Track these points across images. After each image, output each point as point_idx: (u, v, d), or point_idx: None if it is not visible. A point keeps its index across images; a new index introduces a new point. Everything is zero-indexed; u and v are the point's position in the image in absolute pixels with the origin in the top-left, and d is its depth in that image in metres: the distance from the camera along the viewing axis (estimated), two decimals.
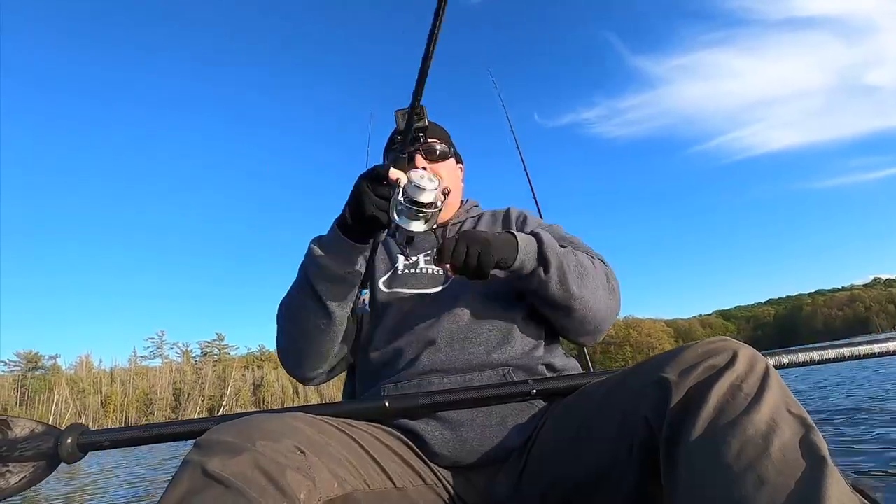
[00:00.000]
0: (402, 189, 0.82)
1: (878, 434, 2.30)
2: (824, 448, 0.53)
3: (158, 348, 67.62)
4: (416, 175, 0.81)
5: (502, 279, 1.07)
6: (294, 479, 0.59)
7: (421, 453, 0.88)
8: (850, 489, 0.52)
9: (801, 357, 0.97)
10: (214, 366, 63.98)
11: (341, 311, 0.97)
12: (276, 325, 1.05)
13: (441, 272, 1.12)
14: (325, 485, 0.65)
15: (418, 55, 0.69)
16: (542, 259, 0.96)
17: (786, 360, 0.97)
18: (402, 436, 0.89)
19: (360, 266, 0.96)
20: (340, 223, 0.92)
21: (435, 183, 0.81)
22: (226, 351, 74.21)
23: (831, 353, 0.98)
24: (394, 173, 0.84)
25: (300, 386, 66.25)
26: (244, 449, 0.60)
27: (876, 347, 0.98)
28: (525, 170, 1.78)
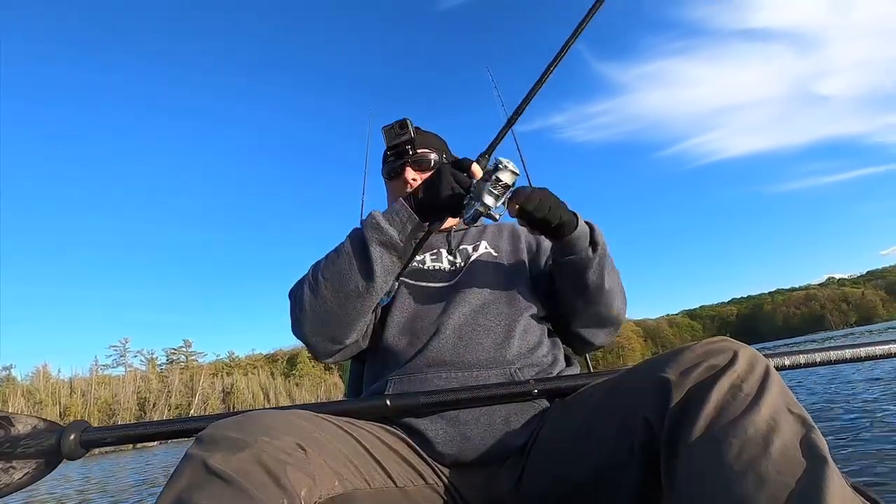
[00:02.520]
0: (485, 173, 0.91)
1: (878, 435, 2.35)
2: (825, 448, 0.53)
3: (122, 356, 64.82)
4: (504, 159, 0.90)
5: (510, 276, 1.10)
6: (295, 477, 0.59)
7: (423, 452, 0.88)
8: (851, 489, 0.52)
9: (802, 358, 0.98)
10: (181, 373, 61.69)
11: (383, 282, 0.97)
12: (291, 300, 1.01)
13: (447, 269, 1.13)
14: (326, 483, 0.64)
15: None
16: (593, 242, 1.01)
17: (787, 361, 0.97)
18: (403, 435, 0.89)
19: (413, 245, 0.99)
20: (409, 198, 0.97)
21: (517, 169, 0.90)
22: (193, 358, 71.75)
23: (832, 355, 1.00)
24: (476, 167, 0.94)
25: (271, 392, 64.72)
26: (246, 445, 0.60)
27: (877, 349, 1.00)
28: (525, 171, 1.77)
